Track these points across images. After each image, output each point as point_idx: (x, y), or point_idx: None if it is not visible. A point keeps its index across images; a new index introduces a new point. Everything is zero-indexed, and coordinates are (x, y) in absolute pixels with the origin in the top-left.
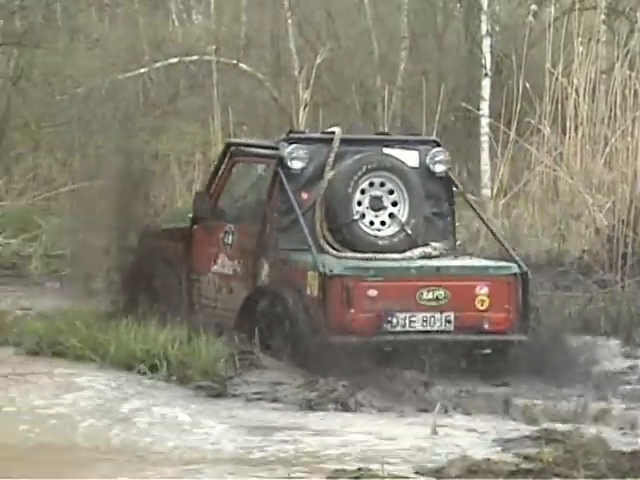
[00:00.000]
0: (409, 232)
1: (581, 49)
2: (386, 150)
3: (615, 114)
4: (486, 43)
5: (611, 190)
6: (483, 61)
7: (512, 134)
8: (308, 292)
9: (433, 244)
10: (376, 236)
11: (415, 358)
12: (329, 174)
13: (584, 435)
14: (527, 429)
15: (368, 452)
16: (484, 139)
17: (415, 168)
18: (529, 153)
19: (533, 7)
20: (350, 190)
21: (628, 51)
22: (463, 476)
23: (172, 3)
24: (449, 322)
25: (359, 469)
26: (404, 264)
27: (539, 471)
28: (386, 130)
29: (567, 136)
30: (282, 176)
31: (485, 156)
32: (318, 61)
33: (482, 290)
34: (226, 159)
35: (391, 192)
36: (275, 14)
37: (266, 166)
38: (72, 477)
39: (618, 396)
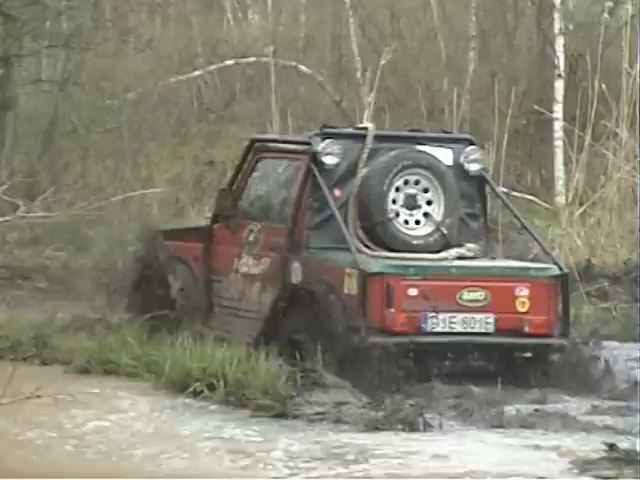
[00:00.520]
0: (444, 232)
1: None
2: (420, 147)
3: None
4: (559, 42)
5: None
6: (556, 61)
7: (587, 138)
8: (345, 291)
9: (468, 245)
10: (411, 235)
11: (455, 360)
12: (363, 171)
13: None
14: (603, 448)
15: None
16: (558, 144)
17: (449, 166)
18: (605, 158)
19: (609, 4)
20: (385, 188)
21: None
22: None
23: (227, 2)
24: (489, 324)
25: None
26: (445, 263)
27: None
28: None
29: None
30: (315, 172)
31: (559, 162)
32: (382, 62)
33: (522, 292)
34: (250, 155)
35: (426, 190)
36: (336, 13)
37: (296, 162)
38: None
39: None
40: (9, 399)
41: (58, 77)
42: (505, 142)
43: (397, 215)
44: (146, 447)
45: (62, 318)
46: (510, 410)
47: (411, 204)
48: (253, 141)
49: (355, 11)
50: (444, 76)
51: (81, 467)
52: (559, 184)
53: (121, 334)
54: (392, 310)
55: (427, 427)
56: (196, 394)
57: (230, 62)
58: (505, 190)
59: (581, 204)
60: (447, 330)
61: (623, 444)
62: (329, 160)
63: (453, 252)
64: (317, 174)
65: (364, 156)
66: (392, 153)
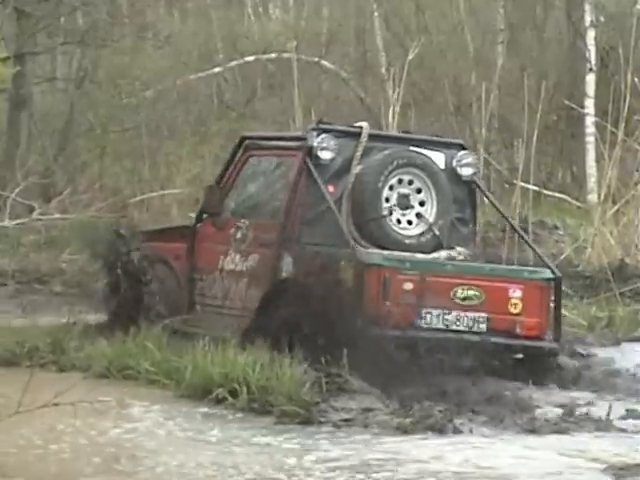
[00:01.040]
0: (436, 233)
1: None
2: (414, 149)
3: None
4: (590, 35)
5: None
6: (587, 55)
7: (620, 134)
8: (341, 283)
9: (458, 248)
10: (403, 235)
11: (446, 356)
12: (357, 168)
13: None
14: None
15: None
16: (589, 140)
17: (442, 170)
18: (639, 154)
19: None
20: (380, 185)
21: None
22: None
23: None
24: (482, 323)
25: None
26: (440, 261)
27: None
28: (483, 131)
29: None
30: (311, 167)
31: (590, 158)
32: (410, 57)
33: (515, 293)
34: (239, 153)
35: (419, 191)
36: (360, 7)
37: (289, 158)
38: None
39: None
40: (27, 407)
41: (74, 75)
42: (535, 138)
43: (390, 213)
44: (178, 455)
45: (79, 323)
46: (542, 414)
47: (404, 204)
48: (243, 138)
49: (380, 4)
50: (472, 70)
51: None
52: (591, 181)
53: (140, 339)
54: (387, 303)
55: (457, 432)
56: (218, 401)
57: (251, 58)
58: (535, 188)
59: (614, 202)
60: (440, 327)
61: None
62: (324, 155)
63: (444, 254)
64: (312, 168)
65: (358, 153)
66: (387, 151)
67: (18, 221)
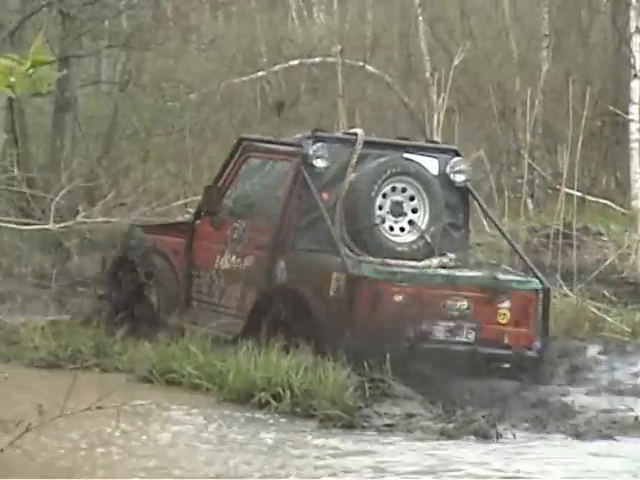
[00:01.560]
0: (428, 240)
1: None
2: (407, 155)
3: None
4: (635, 41)
5: None
6: (632, 61)
7: None
8: (331, 293)
9: (450, 255)
10: (395, 242)
11: (436, 367)
12: (351, 176)
13: None
14: None
15: None
16: (634, 146)
17: (435, 176)
18: None
19: None
20: (373, 193)
21: None
22: None
23: (291, 0)
24: (470, 333)
25: None
26: (430, 272)
27: None
28: (528, 137)
29: None
30: (305, 174)
31: (635, 164)
32: (455, 62)
33: (504, 304)
34: (237, 154)
35: (412, 198)
36: (404, 11)
37: (285, 163)
38: None
39: None
40: (70, 410)
41: (118, 78)
42: (579, 144)
43: (383, 221)
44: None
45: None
46: (586, 420)
47: (397, 211)
48: (241, 140)
49: (424, 9)
50: (516, 76)
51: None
52: (635, 187)
53: (184, 343)
54: (377, 314)
55: (500, 438)
56: (260, 405)
57: (295, 62)
58: (579, 194)
59: None
60: (430, 338)
61: None
62: (319, 163)
63: (436, 261)
64: (307, 176)
65: (353, 161)
66: (381, 160)
67: (62, 224)
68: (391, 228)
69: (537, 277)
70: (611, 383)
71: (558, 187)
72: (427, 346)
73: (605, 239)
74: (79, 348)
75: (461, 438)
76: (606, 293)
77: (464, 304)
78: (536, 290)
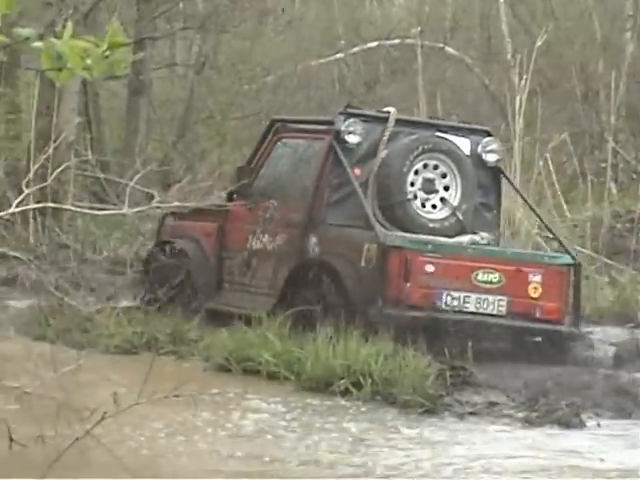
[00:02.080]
0: (460, 217)
1: None
2: (439, 134)
3: None
4: None
5: None
6: None
7: None
8: (363, 264)
9: (481, 233)
10: (427, 218)
11: (466, 338)
12: (383, 152)
13: None
14: None
15: None
16: None
17: (467, 156)
18: None
19: None
20: (405, 169)
21: None
22: None
23: None
24: (502, 306)
25: None
26: (462, 244)
27: None
28: (612, 120)
29: None
30: (338, 150)
31: None
32: (538, 44)
33: (536, 277)
34: (270, 135)
35: (444, 176)
36: None
37: (318, 141)
38: None
39: None
40: (147, 398)
41: (193, 60)
42: None
43: (415, 197)
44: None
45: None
46: None
47: (429, 188)
48: (273, 121)
49: None
50: (599, 57)
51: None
52: None
53: (262, 330)
54: (408, 284)
55: (583, 427)
56: (340, 393)
57: (373, 44)
58: None
59: None
60: (460, 309)
61: None
62: (351, 139)
63: (467, 238)
64: (339, 152)
65: (385, 138)
66: (413, 136)
67: (137, 209)
68: (423, 205)
69: (569, 253)
70: None
71: None
72: (458, 317)
73: None
74: (155, 335)
75: (544, 426)
76: None
77: (495, 277)
78: (568, 265)
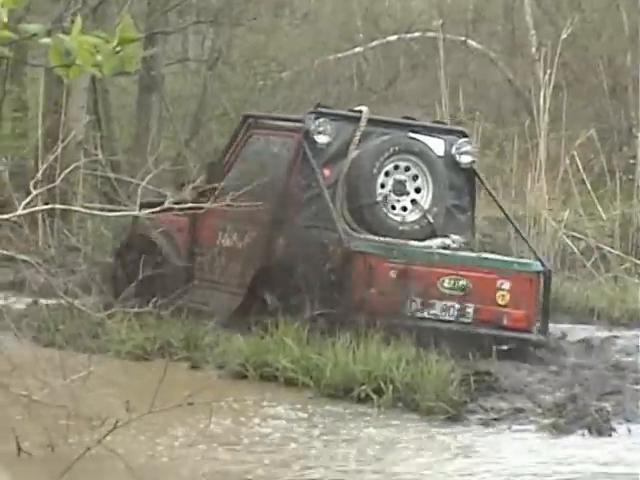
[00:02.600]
0: (431, 220)
1: None
2: (411, 135)
3: None
4: None
5: None
6: None
7: None
8: (328, 267)
9: (453, 236)
10: (397, 221)
11: (430, 345)
12: (354, 153)
13: None
14: None
15: None
16: None
17: (440, 157)
18: None
19: None
20: (375, 171)
21: None
22: None
23: None
24: (468, 313)
25: None
26: (428, 250)
27: None
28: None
29: None
30: (307, 150)
31: None
32: (564, 36)
33: (504, 285)
34: (242, 131)
35: (415, 178)
36: None
37: (288, 139)
38: None
39: None
40: (161, 406)
41: (206, 56)
42: None
43: (385, 200)
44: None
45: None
46: None
47: (400, 190)
48: (246, 117)
49: None
50: (627, 50)
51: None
52: None
53: (279, 335)
54: (372, 290)
55: (613, 433)
56: (360, 399)
57: (393, 37)
58: None
59: None
60: (425, 316)
61: None
62: (321, 139)
63: (437, 241)
64: (308, 152)
65: (356, 138)
66: (384, 137)
67: (149, 210)
68: (393, 207)
69: (539, 260)
70: None
71: None
72: (423, 324)
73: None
74: (168, 340)
75: (573, 433)
76: None
77: (462, 283)
78: (537, 272)
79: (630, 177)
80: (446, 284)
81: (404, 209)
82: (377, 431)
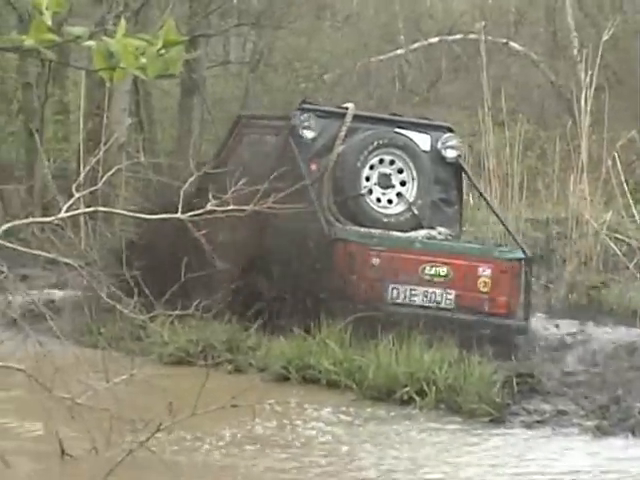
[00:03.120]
0: (415, 212)
1: None
2: (397, 130)
3: None
4: None
5: None
6: None
7: None
8: (312, 257)
9: (439, 228)
10: (382, 213)
11: (413, 331)
12: (339, 148)
13: None
14: None
15: None
16: None
17: (426, 152)
18: None
19: None
20: (359, 164)
21: None
22: None
23: None
24: (450, 300)
25: None
26: (409, 238)
27: None
28: None
29: None
30: (293, 144)
31: None
32: (605, 37)
33: (485, 272)
34: (235, 131)
35: (400, 171)
36: None
37: (276, 136)
38: None
39: None
40: (203, 409)
41: (248, 58)
42: None
43: (370, 192)
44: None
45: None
46: None
47: (385, 183)
48: (239, 117)
49: None
50: None
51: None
52: None
53: (321, 337)
54: (354, 277)
55: None
56: (402, 401)
57: (435, 39)
58: None
59: None
60: (408, 302)
61: None
62: (307, 134)
63: (422, 233)
64: (294, 146)
65: (342, 134)
66: (369, 132)
67: (191, 213)
68: (378, 200)
69: (521, 248)
70: None
71: None
72: (404, 310)
73: None
74: (210, 343)
75: (617, 435)
76: None
77: (443, 270)
78: (519, 260)
79: None
80: (427, 271)
81: (389, 202)
82: (425, 434)
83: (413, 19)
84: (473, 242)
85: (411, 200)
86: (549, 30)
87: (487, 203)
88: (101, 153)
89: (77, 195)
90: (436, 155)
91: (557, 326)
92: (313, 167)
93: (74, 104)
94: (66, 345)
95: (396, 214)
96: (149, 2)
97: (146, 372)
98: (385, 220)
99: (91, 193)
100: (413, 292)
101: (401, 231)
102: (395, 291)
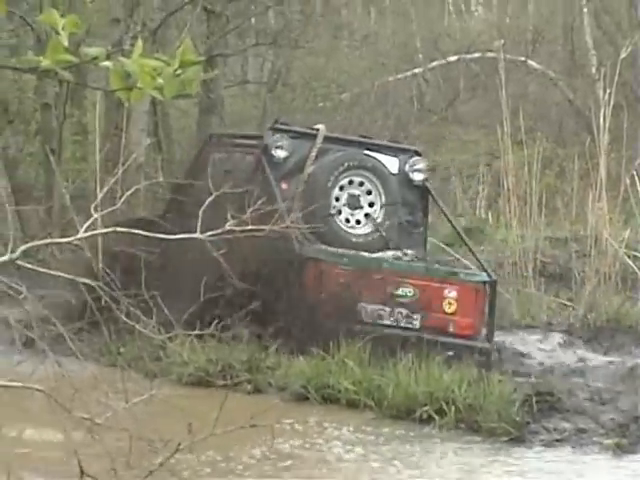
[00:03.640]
0: (383, 233)
1: None
2: (368, 152)
3: None
4: None
5: None
6: None
7: None
8: (280, 275)
9: (405, 250)
10: (350, 233)
11: (380, 350)
12: (310, 168)
13: None
14: None
15: None
16: None
17: (394, 174)
18: None
19: None
20: (330, 185)
21: None
22: None
23: None
24: (415, 320)
25: None
26: (377, 258)
27: None
28: None
29: None
30: (265, 164)
31: None
32: (623, 56)
33: (450, 293)
34: (206, 149)
35: (369, 192)
36: (568, 2)
37: (249, 155)
38: None
39: None
40: (223, 429)
41: (266, 77)
42: None
43: (339, 213)
44: None
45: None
46: None
47: (354, 204)
48: (210, 136)
49: (589, 0)
50: None
51: None
52: None
53: (340, 356)
54: (322, 295)
55: None
56: (421, 420)
57: (453, 58)
58: None
59: None
60: (374, 321)
61: None
62: (278, 153)
63: (390, 254)
64: (266, 166)
65: (313, 154)
66: (339, 153)
67: (210, 232)
68: (347, 220)
69: (485, 271)
70: None
71: None
72: (371, 329)
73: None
74: (230, 363)
75: (637, 454)
76: None
77: (410, 291)
78: (483, 282)
79: None
80: (394, 291)
81: (358, 222)
82: (451, 453)
83: (431, 38)
84: (440, 264)
85: (379, 221)
86: (567, 48)
87: (453, 227)
88: (119, 173)
89: (95, 215)
90: (404, 178)
91: (575, 344)
92: (284, 186)
93: (92, 124)
94: (85, 365)
95: (364, 235)
96: (167, 22)
97: (165, 392)
98: (353, 240)
99: (109, 213)
100: (380, 312)
101: (369, 252)
102: (363, 310)
